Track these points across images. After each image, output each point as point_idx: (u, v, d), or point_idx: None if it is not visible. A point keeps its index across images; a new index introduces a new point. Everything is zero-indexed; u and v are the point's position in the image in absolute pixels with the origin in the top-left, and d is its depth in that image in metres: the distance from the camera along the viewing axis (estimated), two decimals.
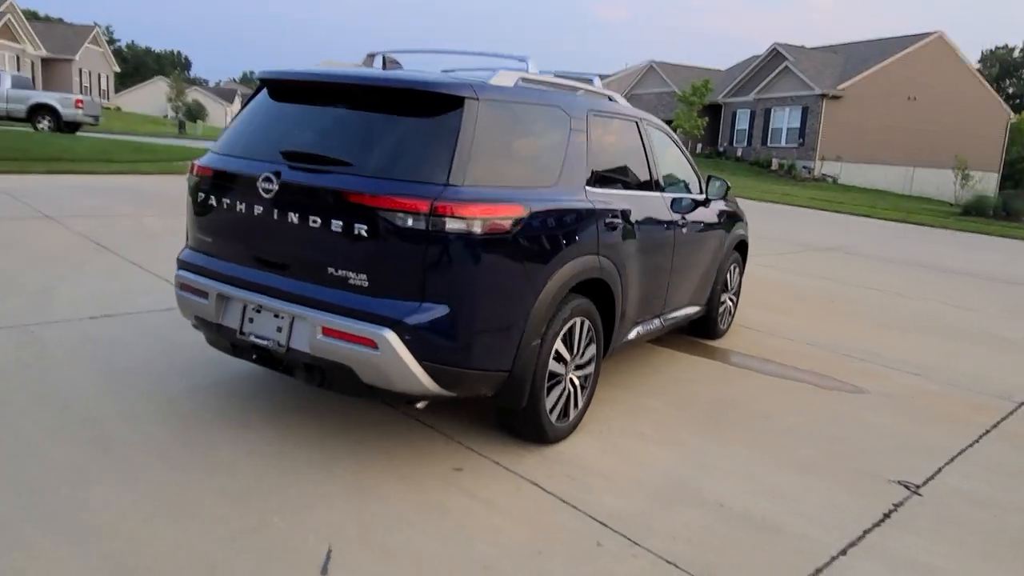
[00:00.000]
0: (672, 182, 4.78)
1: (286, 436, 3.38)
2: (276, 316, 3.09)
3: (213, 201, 3.28)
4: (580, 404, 3.67)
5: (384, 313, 2.84)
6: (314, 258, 2.98)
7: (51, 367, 3.97)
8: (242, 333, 3.18)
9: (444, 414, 3.75)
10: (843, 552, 2.85)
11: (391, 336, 2.80)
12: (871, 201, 26.66)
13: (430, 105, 2.99)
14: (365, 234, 2.83)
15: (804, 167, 32.18)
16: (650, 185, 4.39)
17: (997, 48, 76.43)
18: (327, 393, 3.88)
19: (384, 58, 3.62)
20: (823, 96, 31.72)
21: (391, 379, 2.88)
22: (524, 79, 3.42)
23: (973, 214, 22.85)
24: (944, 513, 3.27)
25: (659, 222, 4.35)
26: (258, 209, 3.09)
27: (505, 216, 2.94)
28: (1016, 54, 74.16)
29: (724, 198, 5.27)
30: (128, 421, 3.41)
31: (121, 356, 4.25)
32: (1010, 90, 69.77)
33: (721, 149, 36.84)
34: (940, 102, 34.01)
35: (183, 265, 3.48)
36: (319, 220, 2.92)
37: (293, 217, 2.99)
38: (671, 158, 4.88)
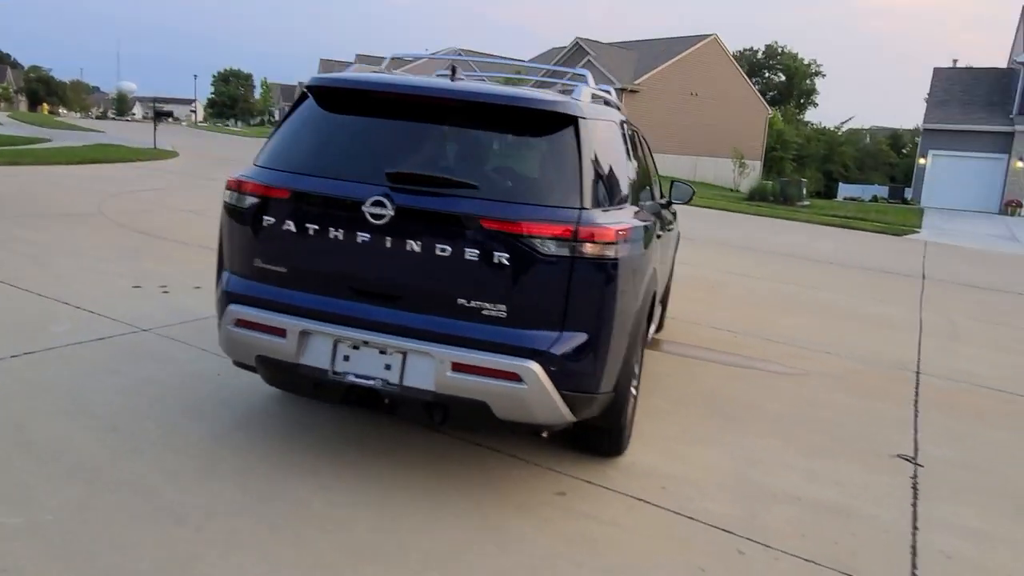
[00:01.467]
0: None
1: (371, 481, 3.11)
2: (383, 352, 2.82)
3: (291, 226, 2.90)
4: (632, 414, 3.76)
5: (527, 344, 2.72)
6: (439, 289, 2.76)
7: (27, 423, 3.28)
8: (335, 373, 2.86)
9: (496, 436, 3.65)
10: (915, 528, 3.24)
11: (537, 368, 2.70)
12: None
13: (543, 124, 2.89)
14: (505, 262, 2.68)
15: None
16: (650, 192, 4.56)
17: (745, 50, 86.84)
18: (375, 428, 3.62)
19: (454, 68, 3.39)
20: (623, 90, 34.09)
21: (533, 412, 2.77)
22: (593, 95, 3.40)
23: (756, 199, 25.96)
24: (948, 481, 3.80)
25: (654, 229, 4.53)
26: (363, 236, 2.79)
27: (627, 238, 2.93)
28: (760, 55, 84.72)
29: (687, 203, 5.58)
30: (174, 481, 2.94)
31: (92, 399, 3.62)
32: (757, 88, 79.78)
33: None
34: (716, 98, 38.06)
35: (238, 298, 3.03)
36: (448, 248, 2.71)
37: (413, 245, 2.74)
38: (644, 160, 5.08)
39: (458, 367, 2.71)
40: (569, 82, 3.66)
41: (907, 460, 4.01)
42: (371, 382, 2.82)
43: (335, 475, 3.14)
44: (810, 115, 71.87)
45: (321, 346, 2.89)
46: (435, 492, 3.08)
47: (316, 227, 2.86)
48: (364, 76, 3.11)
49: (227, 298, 3.06)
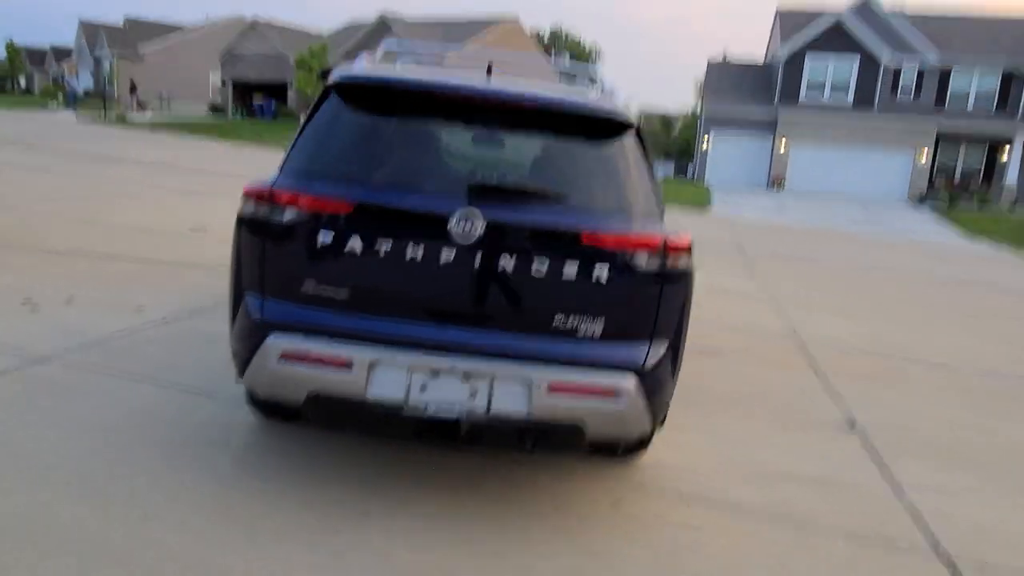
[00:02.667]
0: None
1: (427, 512, 2.89)
2: (466, 379, 2.60)
3: (356, 243, 2.56)
4: None
5: (622, 359, 2.66)
6: (532, 306, 2.60)
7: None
8: (412, 406, 2.59)
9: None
10: (901, 492, 3.66)
11: (634, 383, 2.65)
12: None
13: (610, 131, 2.81)
14: (603, 276, 2.59)
15: None
16: None
17: (533, 33, 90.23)
18: (395, 454, 3.34)
19: (490, 66, 3.12)
20: None
21: (628, 428, 2.73)
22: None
23: None
24: (891, 442, 4.33)
25: None
26: (447, 253, 2.54)
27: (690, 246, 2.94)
28: (545, 39, 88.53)
29: None
30: (221, 547, 2.51)
31: (43, 459, 2.98)
32: None
33: None
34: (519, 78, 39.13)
35: (281, 327, 2.62)
36: (545, 264, 2.55)
37: (504, 262, 2.55)
38: None
39: (555, 388, 2.59)
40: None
41: (852, 428, 4.50)
42: (455, 412, 2.60)
43: (388, 512, 2.87)
44: None
45: (393, 376, 2.60)
46: (498, 515, 2.94)
47: (389, 245, 2.56)
48: (415, 75, 2.80)
49: (265, 328, 2.64)
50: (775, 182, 30.56)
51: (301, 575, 2.44)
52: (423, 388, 2.60)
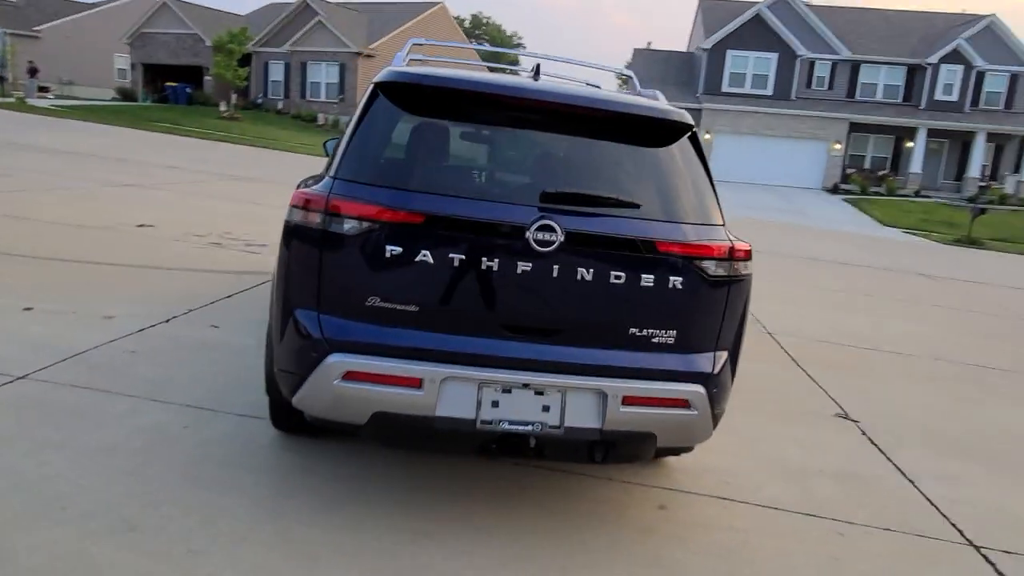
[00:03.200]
0: None
1: (478, 527, 2.80)
2: (540, 393, 2.52)
3: (427, 256, 2.43)
4: None
5: (692, 368, 2.64)
6: (607, 318, 2.54)
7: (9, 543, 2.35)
8: (484, 422, 2.49)
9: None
10: (912, 481, 3.80)
11: (703, 392, 2.64)
12: None
13: (665, 135, 2.77)
14: (678, 285, 2.55)
15: (347, 122, 33.38)
16: None
17: (455, 18, 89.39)
18: (441, 470, 3.22)
19: (538, 67, 2.99)
20: (359, 54, 33.03)
21: (695, 436, 2.71)
22: None
23: None
24: (885, 432, 4.50)
25: None
26: (524, 265, 2.44)
27: None
28: (467, 24, 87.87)
29: None
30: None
31: (56, 489, 2.73)
32: (500, 60, 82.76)
33: (259, 101, 35.29)
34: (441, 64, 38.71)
35: (343, 346, 2.46)
36: (621, 274, 2.49)
37: (581, 272, 2.47)
38: None
39: (629, 400, 2.54)
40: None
41: (845, 417, 4.66)
42: (528, 427, 2.52)
43: (443, 530, 2.76)
44: None
45: (463, 393, 2.49)
46: (554, 527, 2.87)
47: (463, 256, 2.44)
48: (475, 76, 2.67)
49: (326, 346, 2.48)
50: None
51: None
52: (495, 404, 2.51)
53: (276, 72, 35.38)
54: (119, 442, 3.16)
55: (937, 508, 3.49)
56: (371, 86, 2.70)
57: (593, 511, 3.06)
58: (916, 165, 31.45)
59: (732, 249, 2.66)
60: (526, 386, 2.51)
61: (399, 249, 2.43)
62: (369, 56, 33.56)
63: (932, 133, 31.07)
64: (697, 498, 3.30)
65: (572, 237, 2.46)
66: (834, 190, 30.47)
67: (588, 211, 2.52)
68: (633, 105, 2.72)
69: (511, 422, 2.51)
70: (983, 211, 21.09)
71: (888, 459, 4.04)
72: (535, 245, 2.44)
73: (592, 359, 2.55)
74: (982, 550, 3.14)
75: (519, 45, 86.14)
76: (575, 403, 2.54)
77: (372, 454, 3.30)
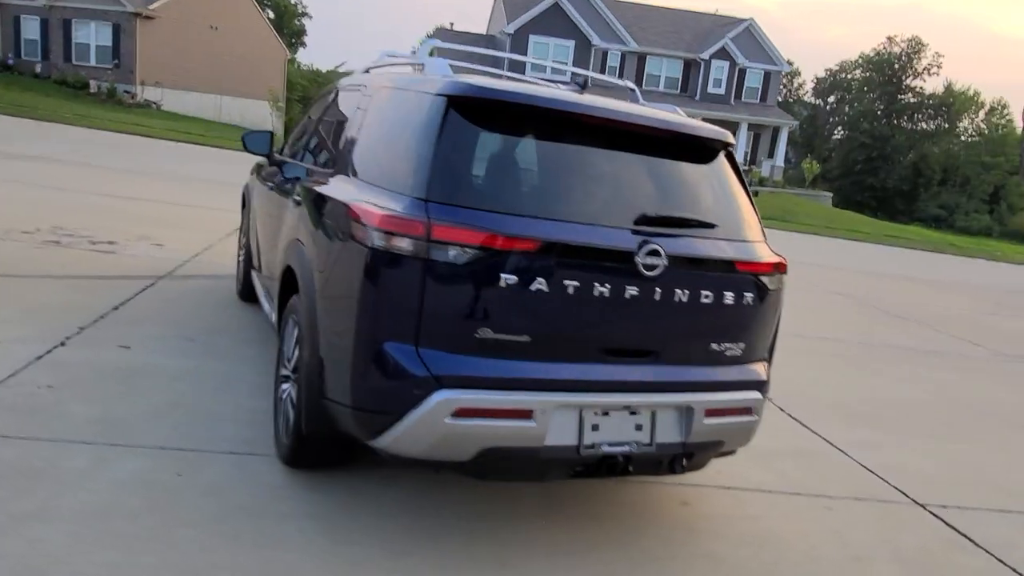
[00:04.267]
0: None
1: (559, 553, 2.79)
2: (633, 413, 2.56)
3: (542, 284, 2.34)
4: None
5: (753, 378, 2.83)
6: (696, 336, 2.63)
7: None
8: (587, 447, 2.48)
9: None
10: (845, 452, 4.36)
11: (760, 398, 2.83)
12: (201, 129, 26.90)
13: (715, 154, 2.89)
14: (749, 301, 2.71)
15: (126, 91, 29.61)
16: None
17: None
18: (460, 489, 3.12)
19: (585, 82, 2.88)
20: (136, 15, 29.40)
21: (749, 439, 2.90)
22: None
23: None
24: (803, 406, 5.09)
25: None
26: (631, 289, 2.44)
27: None
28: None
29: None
30: None
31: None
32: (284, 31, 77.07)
33: (9, 62, 30.04)
34: (238, 34, 35.83)
35: (451, 381, 2.31)
36: (710, 294, 2.59)
37: (678, 294, 2.53)
38: None
39: (710, 412, 2.67)
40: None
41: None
42: (625, 448, 2.55)
43: (518, 555, 2.71)
44: (302, 57, 72.76)
45: (568, 420, 2.45)
46: (618, 537, 2.94)
47: (575, 283, 2.38)
48: (560, 95, 2.57)
49: (432, 383, 2.30)
50: None
51: None
52: (595, 428, 2.51)
53: (31, 29, 30.43)
54: (108, 503, 2.69)
55: (877, 475, 4.04)
56: (440, 98, 2.51)
57: (625, 513, 3.17)
58: None
59: (781, 264, 2.87)
60: (624, 408, 2.54)
61: (513, 278, 2.33)
62: (149, 18, 30.08)
63: (708, 122, 34.68)
64: (707, 491, 3.53)
65: (673, 260, 2.52)
66: None
67: (681, 233, 2.60)
68: (702, 127, 2.82)
69: (610, 444, 2.53)
70: (756, 193, 24.09)
71: (815, 433, 4.59)
72: (643, 269, 2.47)
73: (680, 376, 2.64)
74: (927, 508, 3.71)
75: (304, 15, 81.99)
76: (664, 419, 2.62)
77: (386, 481, 3.12)
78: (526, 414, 2.39)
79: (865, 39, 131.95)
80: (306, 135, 4.15)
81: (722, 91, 35.07)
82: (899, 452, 4.46)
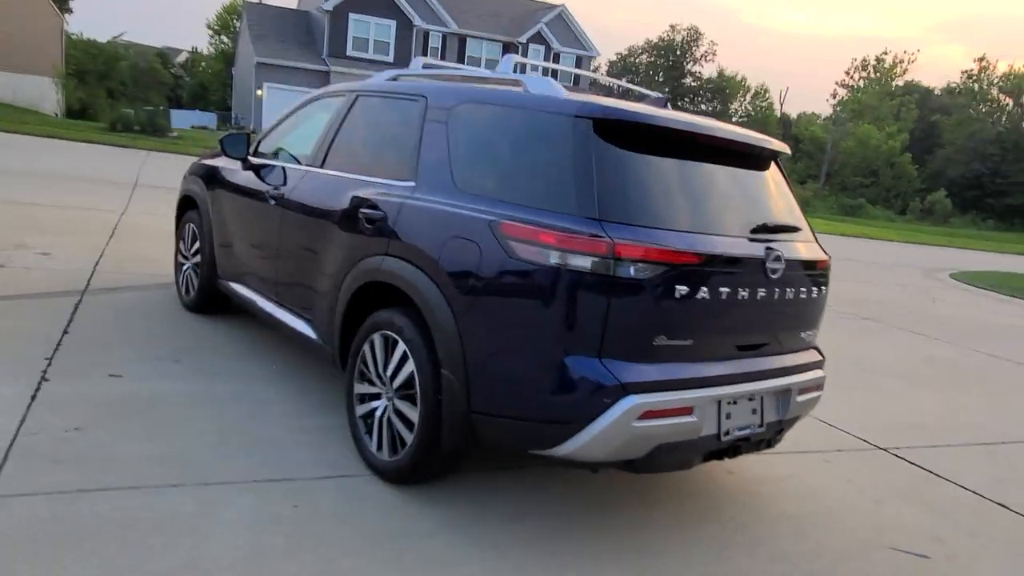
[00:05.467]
0: None
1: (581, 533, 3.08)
2: (750, 399, 2.89)
3: (704, 292, 2.59)
4: None
5: (819, 358, 3.27)
6: (793, 327, 3.02)
7: None
8: (724, 435, 2.78)
9: None
10: None
11: (824, 374, 3.29)
12: None
13: (773, 162, 3.27)
14: (822, 293, 3.14)
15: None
16: None
17: None
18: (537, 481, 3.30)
19: (668, 100, 3.03)
20: None
21: (810, 411, 3.34)
22: None
23: (120, 129, 23.27)
24: None
25: None
26: (761, 291, 2.76)
27: None
28: None
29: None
30: None
31: None
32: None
33: None
34: None
35: (637, 387, 2.49)
36: (806, 290, 2.98)
37: (790, 293, 2.89)
38: None
39: (800, 391, 3.08)
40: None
41: None
42: (747, 431, 2.87)
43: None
44: (70, 26, 64.31)
45: (712, 412, 2.73)
46: (676, 523, 3.28)
47: (727, 289, 2.66)
48: (683, 117, 2.77)
49: (620, 390, 2.47)
50: None
51: None
52: (728, 416, 2.80)
53: None
54: (256, 545, 2.55)
55: (839, 428, 4.75)
56: (584, 120, 2.63)
57: (695, 490, 3.52)
58: None
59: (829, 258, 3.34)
60: (747, 396, 2.86)
61: (684, 288, 2.55)
62: None
63: None
64: (741, 458, 3.98)
65: (786, 263, 2.87)
66: None
67: (785, 239, 2.96)
68: (774, 140, 3.17)
69: (738, 429, 2.85)
70: None
71: None
72: (769, 273, 2.80)
73: (781, 363, 3.02)
74: (889, 451, 4.46)
75: None
76: (769, 402, 2.98)
77: (489, 485, 3.22)
78: (689, 411, 2.64)
79: (649, 28, 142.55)
80: (317, 144, 3.95)
81: (539, 75, 36.42)
82: (845, 405, 5.24)
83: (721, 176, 2.93)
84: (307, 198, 3.79)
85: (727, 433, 2.81)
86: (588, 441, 2.52)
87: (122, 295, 5.44)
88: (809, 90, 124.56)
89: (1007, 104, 64.64)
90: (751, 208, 2.99)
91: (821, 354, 3.34)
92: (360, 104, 3.80)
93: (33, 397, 3.46)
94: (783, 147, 3.22)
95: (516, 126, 2.90)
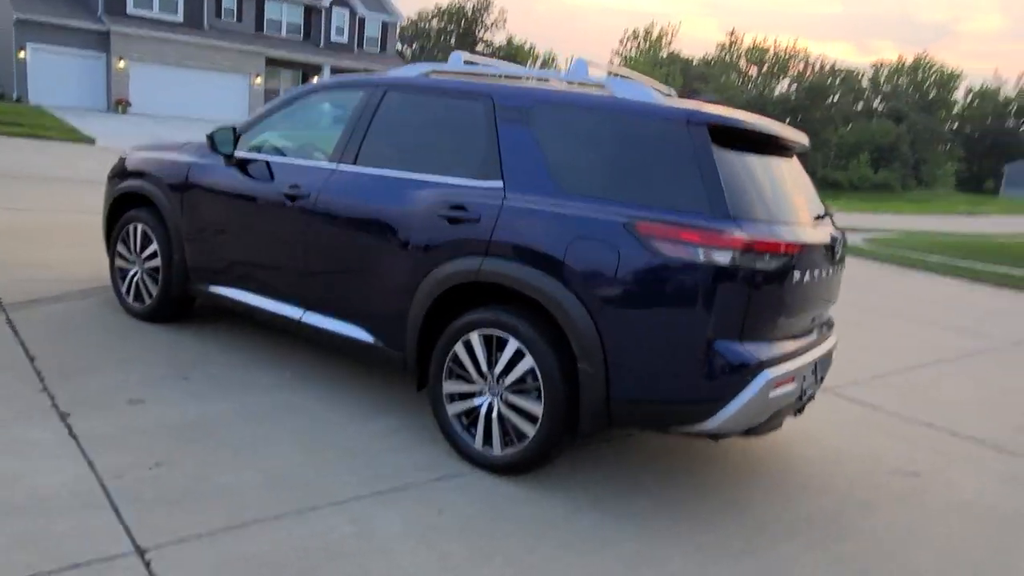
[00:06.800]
0: None
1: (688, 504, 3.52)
2: (814, 364, 3.37)
3: (806, 276, 3.00)
4: None
5: (833, 323, 3.84)
6: (832, 299, 3.50)
7: None
8: (801, 396, 3.23)
9: None
10: None
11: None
12: None
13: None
14: (843, 268, 3.69)
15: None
16: None
17: None
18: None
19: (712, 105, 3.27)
20: None
21: None
22: None
23: None
24: None
25: None
26: (828, 271, 3.25)
27: None
28: None
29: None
30: None
31: None
32: None
33: None
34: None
35: (769, 363, 2.86)
36: (842, 266, 3.49)
37: (838, 270, 3.38)
38: None
39: (830, 355, 3.62)
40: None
41: None
42: (809, 392, 3.34)
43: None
44: None
45: (799, 378, 3.15)
46: (746, 483, 3.76)
47: (818, 271, 3.10)
48: (764, 120, 3.09)
49: (759, 367, 2.82)
50: (118, 104, 27.99)
51: None
52: (804, 379, 3.25)
53: None
54: (441, 555, 2.58)
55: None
56: (700, 127, 2.87)
57: (740, 460, 3.99)
58: None
59: None
60: (813, 362, 3.33)
61: (797, 274, 2.94)
62: None
63: (335, 70, 34.49)
64: None
65: (841, 245, 3.36)
66: None
67: (832, 224, 3.43)
68: (805, 136, 3.60)
69: (808, 389, 3.31)
70: None
71: None
72: (835, 255, 3.27)
73: (825, 332, 3.54)
74: (834, 391, 5.27)
75: None
76: (820, 365, 3.47)
77: (585, 472, 3.45)
78: (794, 379, 3.05)
79: None
80: (343, 139, 3.76)
81: (345, 40, 35.12)
82: None
83: (784, 170, 3.34)
84: (347, 197, 3.64)
85: (803, 394, 3.28)
86: (733, 414, 2.84)
87: (48, 308, 4.77)
88: (592, 58, 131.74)
89: (751, 73, 73.78)
90: (805, 197, 3.45)
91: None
92: (392, 99, 3.70)
93: (74, 437, 3.07)
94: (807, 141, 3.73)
95: (622, 130, 3.06)
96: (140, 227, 4.60)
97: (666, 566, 2.73)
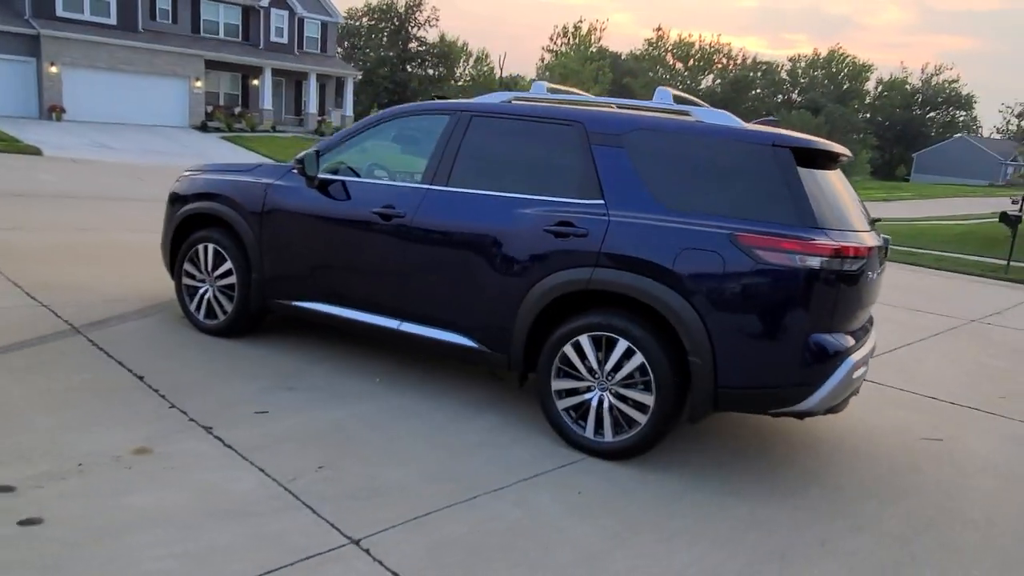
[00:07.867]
0: None
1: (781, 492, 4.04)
2: (869, 351, 3.90)
3: (870, 276, 3.56)
4: None
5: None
6: (878, 296, 4.05)
7: None
8: (855, 380, 3.74)
9: None
10: None
11: None
12: None
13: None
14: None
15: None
16: None
17: None
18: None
19: (775, 122, 3.72)
20: None
21: None
22: None
23: None
24: None
25: None
26: (879, 271, 3.75)
27: None
28: None
29: None
30: None
31: None
32: None
33: None
34: None
35: (849, 350, 3.40)
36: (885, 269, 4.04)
37: (883, 271, 3.92)
38: None
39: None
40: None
41: None
42: (863, 375, 3.86)
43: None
44: None
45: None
46: (806, 465, 4.28)
47: (871, 272, 3.58)
48: (827, 142, 3.59)
49: (845, 353, 3.36)
50: (52, 111, 26.89)
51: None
52: (866, 365, 3.78)
53: None
54: (608, 531, 2.98)
55: None
56: (785, 150, 3.35)
57: (812, 442, 4.50)
58: (266, 102, 33.96)
59: None
60: (870, 351, 3.86)
61: (869, 274, 3.46)
62: None
63: (276, 72, 33.97)
64: None
65: (887, 248, 3.91)
66: (203, 128, 30.51)
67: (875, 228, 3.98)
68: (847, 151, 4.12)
69: (863, 375, 3.84)
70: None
71: None
72: (885, 256, 3.80)
73: (871, 324, 4.07)
74: None
75: None
76: (871, 354, 4.01)
77: (674, 457, 3.89)
78: (866, 363, 3.59)
79: None
80: (432, 163, 4.10)
81: (285, 40, 34.59)
82: None
83: (839, 182, 3.86)
84: (445, 216, 3.97)
85: (857, 379, 3.81)
86: (825, 395, 3.34)
87: (119, 328, 4.90)
88: (524, 54, 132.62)
89: (678, 68, 76.06)
90: (858, 205, 3.97)
91: None
92: (479, 125, 4.04)
93: (230, 447, 3.33)
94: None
95: (714, 153, 3.52)
96: (211, 247, 4.79)
97: (773, 529, 3.19)
